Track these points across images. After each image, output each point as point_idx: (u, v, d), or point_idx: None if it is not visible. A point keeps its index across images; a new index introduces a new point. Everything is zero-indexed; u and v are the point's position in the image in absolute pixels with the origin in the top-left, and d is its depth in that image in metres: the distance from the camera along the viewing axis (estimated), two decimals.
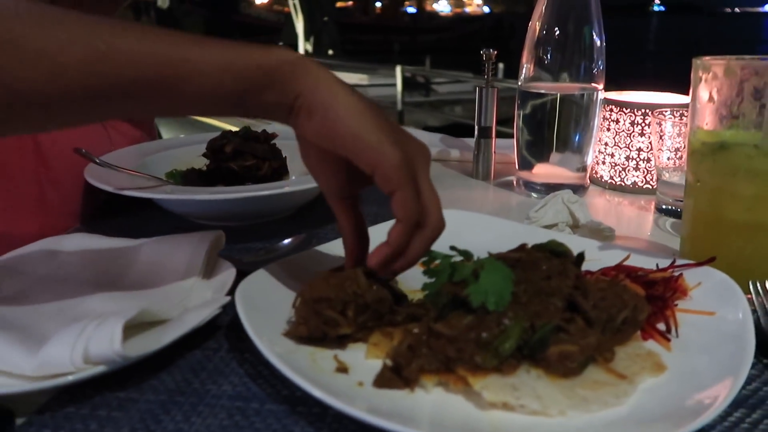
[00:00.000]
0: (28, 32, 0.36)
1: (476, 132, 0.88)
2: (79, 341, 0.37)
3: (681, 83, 0.74)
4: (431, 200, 0.44)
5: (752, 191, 0.51)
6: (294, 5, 12.13)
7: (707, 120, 0.52)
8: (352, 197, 0.47)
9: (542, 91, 0.79)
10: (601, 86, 0.78)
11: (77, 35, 0.38)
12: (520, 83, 0.81)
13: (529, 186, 0.83)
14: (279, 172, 0.76)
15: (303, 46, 11.99)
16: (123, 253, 0.54)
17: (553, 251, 0.44)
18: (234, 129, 0.76)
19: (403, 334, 0.40)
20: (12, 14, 0.37)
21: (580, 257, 0.45)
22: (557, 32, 0.78)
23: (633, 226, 0.72)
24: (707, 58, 0.52)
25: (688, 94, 0.56)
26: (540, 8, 0.79)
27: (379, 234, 0.47)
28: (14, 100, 0.37)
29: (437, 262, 0.44)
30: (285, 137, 0.84)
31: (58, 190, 0.72)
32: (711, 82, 0.51)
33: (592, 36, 0.78)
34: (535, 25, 0.79)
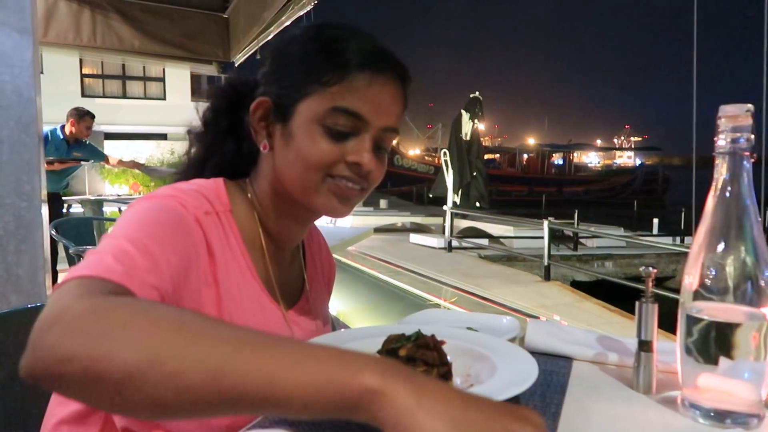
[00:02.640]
0: (168, 350, 0.48)
1: (637, 345, 0.90)
2: None
3: None
4: None
5: None
6: (446, 162, 12.96)
7: None
8: None
9: (706, 317, 0.80)
10: None
11: (204, 352, 0.48)
12: (681, 299, 0.83)
13: (696, 408, 0.81)
14: (445, 377, 0.83)
15: (452, 198, 12.58)
16: None
17: None
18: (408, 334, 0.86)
19: None
20: (170, 328, 0.50)
21: None
22: (719, 253, 0.80)
23: None
24: None
25: None
26: (703, 228, 0.83)
27: None
28: (143, 407, 0.49)
29: None
30: (450, 336, 0.92)
31: None
32: None
33: (757, 255, 0.79)
34: (698, 238, 0.82)
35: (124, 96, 19.83)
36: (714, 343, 0.79)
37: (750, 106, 0.81)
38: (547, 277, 8.48)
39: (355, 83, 0.84)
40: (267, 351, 0.48)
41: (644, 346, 0.89)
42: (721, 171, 0.83)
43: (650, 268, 0.90)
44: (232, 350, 0.48)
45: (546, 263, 8.62)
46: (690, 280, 0.83)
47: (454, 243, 10.79)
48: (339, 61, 0.84)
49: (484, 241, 11.27)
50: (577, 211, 10.66)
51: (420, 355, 0.82)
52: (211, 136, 0.96)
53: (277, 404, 0.47)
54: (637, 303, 0.90)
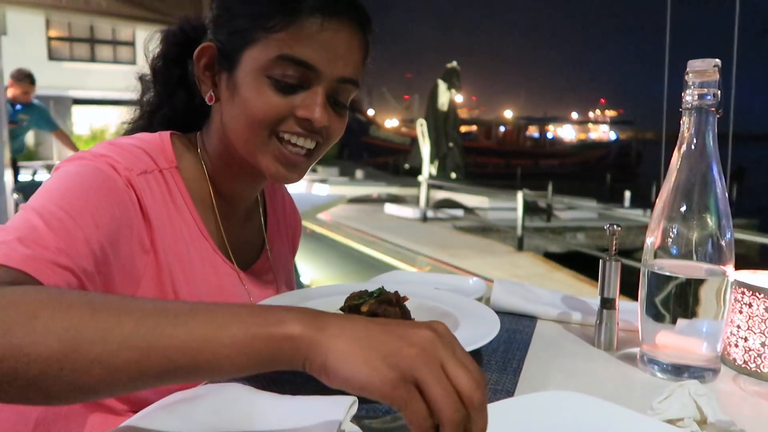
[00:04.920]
0: (89, 334, 0.47)
1: (599, 302, 0.90)
2: None
3: None
4: (463, 385, 0.46)
5: None
6: (422, 132, 12.91)
7: None
8: None
9: (667, 273, 0.80)
10: (730, 266, 0.78)
11: (128, 331, 0.47)
12: (644, 255, 0.83)
13: (654, 363, 0.82)
14: None
15: (428, 169, 12.57)
16: (266, 411, 0.61)
17: None
18: (370, 290, 0.84)
19: None
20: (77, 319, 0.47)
21: None
22: (682, 210, 0.80)
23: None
24: None
25: None
26: (665, 189, 0.83)
27: None
28: (65, 396, 0.48)
29: None
30: (413, 294, 0.91)
31: None
32: None
33: (719, 214, 0.79)
34: (662, 199, 0.82)
35: (93, 60, 19.20)
36: (674, 300, 0.80)
37: (717, 61, 0.80)
38: (520, 248, 8.59)
39: (303, 29, 0.76)
40: (190, 320, 0.48)
41: (606, 303, 0.90)
42: (687, 127, 0.82)
43: (615, 226, 0.90)
44: (155, 325, 0.47)
45: (519, 234, 8.72)
46: (653, 238, 0.83)
47: (429, 214, 10.83)
48: (286, 4, 0.76)
49: (459, 212, 11.34)
50: (551, 183, 10.76)
51: (382, 311, 0.81)
52: (161, 85, 0.89)
53: (209, 369, 0.48)
54: (600, 261, 0.90)
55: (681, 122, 0.84)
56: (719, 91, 0.81)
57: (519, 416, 0.62)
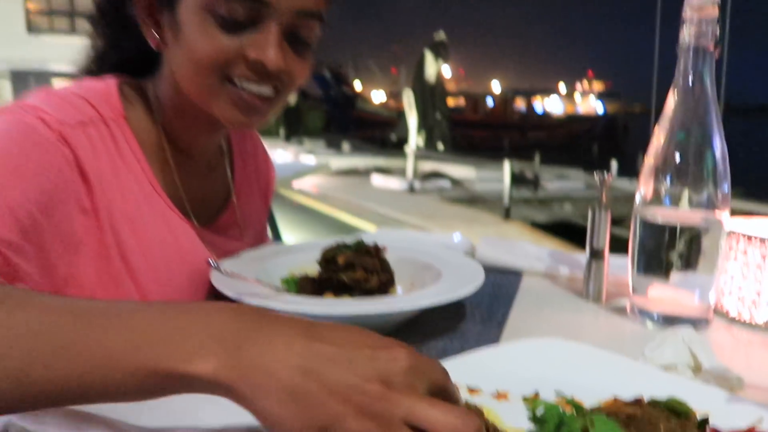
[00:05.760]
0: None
1: (588, 253, 0.86)
2: None
3: None
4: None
5: None
6: (409, 103, 12.78)
7: None
8: None
9: (660, 221, 0.76)
10: (726, 212, 0.75)
11: (32, 337, 0.38)
12: (636, 204, 0.79)
13: (645, 314, 0.79)
14: (386, 284, 0.78)
15: (415, 140, 12.48)
16: None
17: (673, 410, 0.41)
18: (347, 241, 0.80)
19: None
20: None
21: (704, 422, 0.42)
22: (677, 157, 0.76)
23: (766, 375, 0.66)
24: None
25: None
26: (659, 135, 0.78)
27: None
28: None
29: (542, 409, 0.43)
30: (394, 247, 0.87)
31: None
32: None
33: (715, 160, 0.75)
34: (655, 145, 0.78)
35: (74, 32, 18.69)
36: (667, 250, 0.76)
37: None
38: (507, 218, 8.58)
39: None
40: (75, 345, 0.39)
41: (595, 254, 0.86)
42: (684, 66, 0.77)
43: (605, 173, 0.86)
44: (31, 349, 0.38)
45: (506, 204, 8.71)
46: (646, 187, 0.79)
47: (416, 185, 10.77)
48: None
49: (446, 183, 11.30)
50: (538, 153, 10.73)
51: (359, 262, 0.76)
52: (107, 28, 0.79)
53: (104, 399, 0.40)
54: (590, 209, 0.86)
55: (677, 63, 0.79)
56: (718, 29, 0.77)
57: (505, 364, 0.58)
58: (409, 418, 0.36)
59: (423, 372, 0.39)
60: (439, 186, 11.01)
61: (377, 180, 11.35)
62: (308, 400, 0.36)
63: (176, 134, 0.79)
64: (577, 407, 0.42)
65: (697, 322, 0.76)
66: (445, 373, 0.41)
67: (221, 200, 0.90)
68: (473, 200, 9.96)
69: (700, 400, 0.50)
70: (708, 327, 0.76)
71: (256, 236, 0.96)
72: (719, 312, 0.81)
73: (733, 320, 0.80)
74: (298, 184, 8.66)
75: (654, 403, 0.42)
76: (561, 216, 9.09)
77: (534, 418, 0.42)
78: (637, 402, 0.43)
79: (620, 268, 0.94)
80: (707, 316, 0.77)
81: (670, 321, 0.76)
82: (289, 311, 0.71)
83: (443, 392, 0.40)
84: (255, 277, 0.75)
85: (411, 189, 10.64)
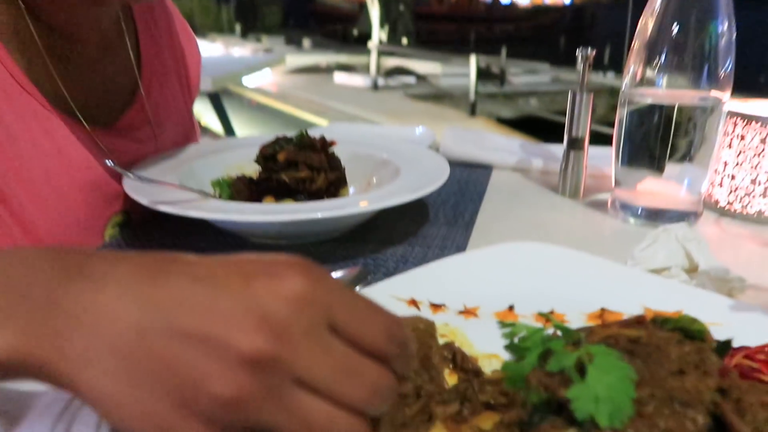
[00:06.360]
0: None
1: (566, 142, 0.76)
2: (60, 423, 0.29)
3: None
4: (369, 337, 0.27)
5: None
6: None
7: None
8: None
9: (652, 100, 0.66)
10: (726, 94, 0.65)
11: None
12: (624, 87, 0.68)
13: (627, 209, 0.70)
14: (336, 184, 0.67)
15: (378, 35, 11.93)
16: None
17: (685, 330, 0.33)
18: (289, 134, 0.68)
19: None
20: None
21: (726, 345, 0.33)
22: (675, 28, 0.64)
23: (763, 270, 0.59)
24: None
25: None
26: (655, 1, 0.66)
27: None
28: None
29: (522, 335, 0.34)
30: (346, 141, 0.75)
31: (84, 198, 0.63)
32: None
33: (719, 33, 0.64)
34: (648, 20, 0.66)
35: None
36: (657, 134, 0.66)
37: None
38: (472, 114, 8.43)
39: None
40: None
41: (574, 143, 0.76)
42: None
43: (589, 49, 0.74)
44: None
45: (472, 100, 8.53)
46: (636, 66, 0.67)
47: (380, 82, 10.41)
48: None
49: (411, 80, 10.95)
50: (504, 47, 10.40)
51: (303, 158, 0.65)
52: None
53: None
54: (570, 93, 0.75)
55: None
56: None
57: (473, 274, 0.49)
58: (333, 325, 0.26)
59: (327, 306, 0.26)
60: (403, 82, 10.67)
61: (340, 77, 10.93)
62: (146, 371, 0.24)
63: (46, 11, 0.59)
64: (565, 330, 0.33)
65: (685, 216, 0.68)
66: (371, 307, 0.28)
67: (125, 94, 0.71)
68: (439, 96, 9.72)
69: (702, 309, 0.42)
70: (697, 221, 0.69)
71: (178, 135, 0.80)
72: (707, 202, 0.74)
73: (722, 211, 0.72)
74: (253, 81, 8.27)
75: (661, 322, 0.34)
76: (527, 111, 8.99)
77: (512, 347, 0.33)
78: (640, 321, 0.34)
79: (599, 159, 0.85)
80: (697, 209, 0.69)
81: (655, 216, 0.68)
82: (217, 220, 0.60)
83: (370, 343, 0.27)
84: (178, 182, 0.63)
85: (375, 86, 10.29)
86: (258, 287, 0.25)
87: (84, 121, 0.63)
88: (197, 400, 0.24)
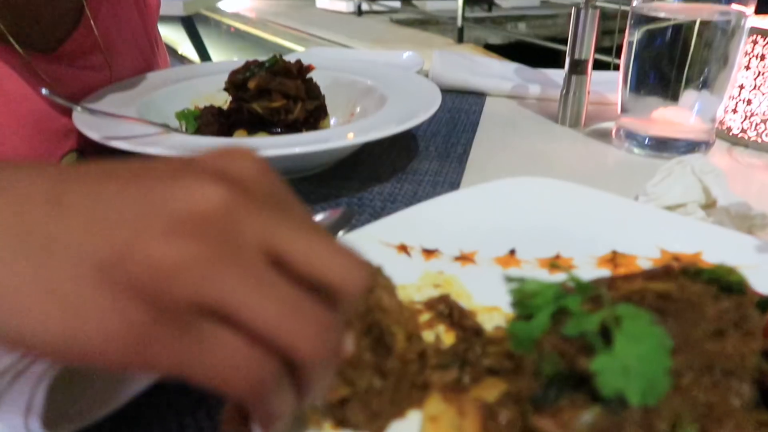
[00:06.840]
0: None
1: (567, 65, 0.70)
2: None
3: None
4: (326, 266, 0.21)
5: None
6: None
7: None
8: None
9: (664, 15, 0.59)
10: (750, 9, 0.58)
11: None
12: (636, 1, 0.61)
13: (633, 138, 0.65)
14: (315, 115, 0.60)
15: None
16: None
17: (721, 282, 0.28)
18: (262, 59, 0.60)
19: (481, 413, 0.26)
20: None
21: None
22: None
23: None
24: None
25: None
26: None
27: None
28: None
29: (532, 287, 0.29)
30: (325, 68, 0.68)
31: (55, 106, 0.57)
32: None
33: None
34: None
35: None
36: (670, 54, 0.60)
37: None
38: (460, 40, 8.18)
39: None
40: None
41: (577, 66, 0.69)
42: None
43: None
44: None
45: (459, 25, 8.25)
46: None
47: (364, 6, 10.00)
48: None
49: (396, 4, 10.54)
50: None
51: (277, 86, 0.58)
52: None
53: None
54: (573, 9, 0.67)
55: None
56: None
57: (469, 214, 0.44)
58: (269, 247, 0.20)
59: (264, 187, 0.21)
60: (388, 6, 10.28)
61: (322, 2, 10.47)
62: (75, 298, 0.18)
63: None
64: (582, 285, 0.28)
65: (696, 146, 0.63)
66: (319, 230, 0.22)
67: (68, 15, 0.62)
68: (424, 22, 9.38)
69: (725, 250, 0.38)
70: (708, 151, 0.63)
71: (137, 62, 0.71)
72: (718, 131, 0.68)
73: (735, 140, 0.67)
74: (230, 5, 7.90)
75: (693, 273, 0.29)
76: (516, 36, 8.74)
77: (518, 304, 0.29)
78: (668, 272, 0.30)
79: (603, 84, 0.78)
80: (709, 138, 0.63)
81: (663, 146, 0.63)
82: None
83: None
84: (137, 114, 0.56)
85: (359, 11, 9.89)
86: (177, 191, 0.20)
87: (18, 47, 0.54)
88: (125, 264, 0.18)
